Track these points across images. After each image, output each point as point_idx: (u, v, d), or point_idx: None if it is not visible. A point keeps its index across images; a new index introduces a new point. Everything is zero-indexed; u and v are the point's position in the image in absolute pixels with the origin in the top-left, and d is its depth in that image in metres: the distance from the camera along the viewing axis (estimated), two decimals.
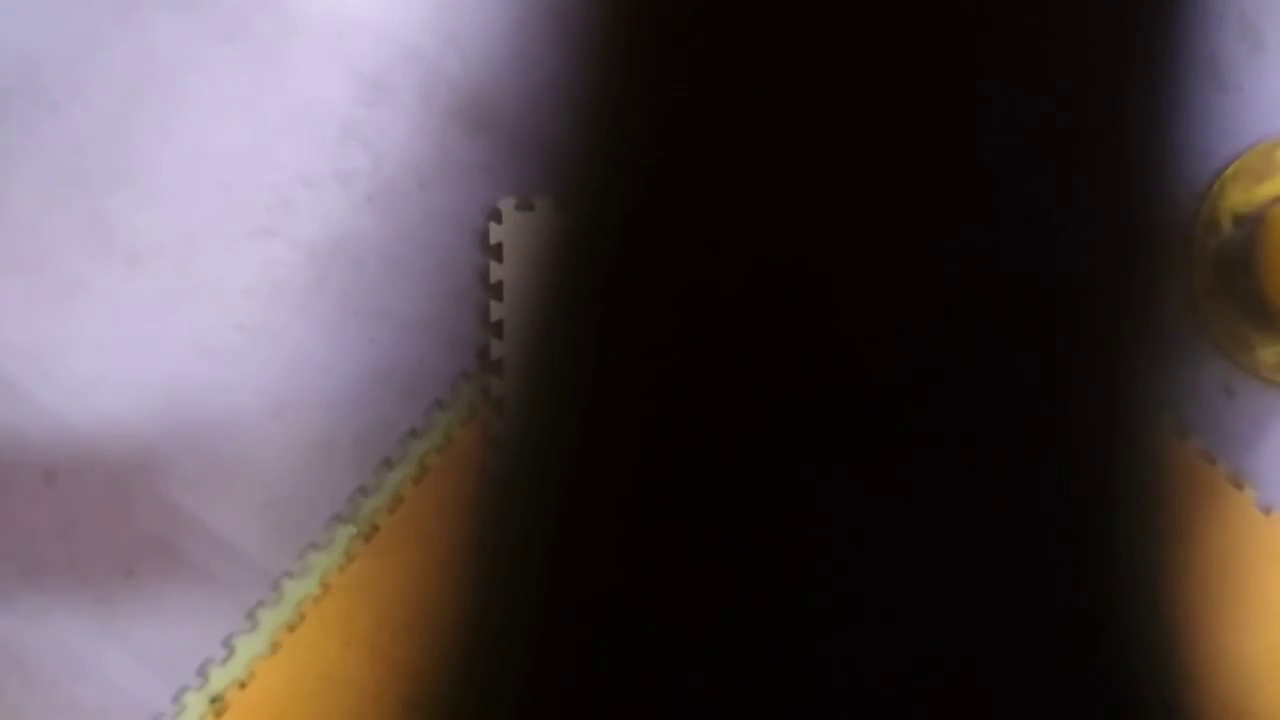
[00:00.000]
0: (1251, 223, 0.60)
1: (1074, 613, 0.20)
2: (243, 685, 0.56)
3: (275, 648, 0.56)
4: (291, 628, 0.57)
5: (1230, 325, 0.61)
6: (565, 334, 0.22)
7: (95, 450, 0.56)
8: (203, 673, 0.56)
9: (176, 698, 0.56)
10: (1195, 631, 0.21)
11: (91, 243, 0.57)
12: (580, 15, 0.22)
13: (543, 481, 0.22)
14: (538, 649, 0.21)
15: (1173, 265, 0.22)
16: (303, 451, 0.57)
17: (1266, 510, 0.60)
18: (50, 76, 0.57)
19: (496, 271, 0.57)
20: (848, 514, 0.20)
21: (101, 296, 0.57)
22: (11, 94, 0.57)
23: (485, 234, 0.58)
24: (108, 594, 0.56)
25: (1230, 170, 0.61)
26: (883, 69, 0.20)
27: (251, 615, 0.57)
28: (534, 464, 0.22)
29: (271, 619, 0.57)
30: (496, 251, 0.57)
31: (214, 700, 0.56)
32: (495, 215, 0.58)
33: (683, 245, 0.21)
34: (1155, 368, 0.21)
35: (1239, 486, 0.60)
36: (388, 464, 0.58)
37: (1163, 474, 0.21)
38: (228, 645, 0.56)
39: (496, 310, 0.57)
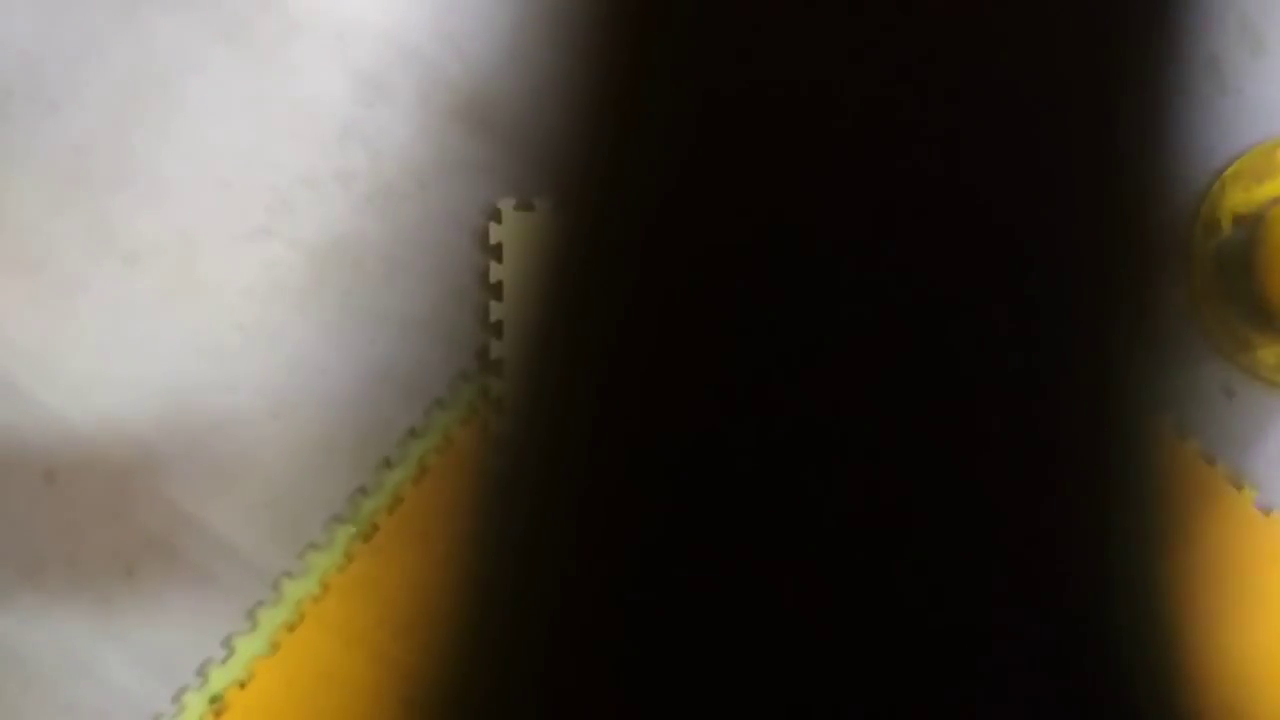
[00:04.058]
0: (1251, 223, 0.60)
1: (1072, 613, 0.20)
2: (243, 685, 0.56)
3: (275, 648, 0.56)
4: (291, 628, 0.57)
5: (1230, 326, 0.61)
6: (565, 334, 0.22)
7: (95, 450, 0.56)
8: (203, 673, 0.56)
9: (176, 698, 0.56)
10: (1194, 632, 0.21)
11: (91, 243, 0.57)
12: (580, 15, 0.22)
13: (542, 481, 0.22)
14: (537, 649, 0.21)
15: (1172, 266, 0.22)
16: (303, 451, 0.57)
17: (1266, 510, 0.60)
18: (50, 76, 0.57)
19: (496, 271, 0.57)
20: (847, 513, 0.20)
21: (101, 296, 0.57)
22: (12, 94, 0.57)
23: (485, 234, 0.58)
24: (108, 594, 0.56)
25: (1230, 171, 0.61)
26: (882, 66, 0.20)
27: (251, 615, 0.57)
28: (533, 464, 0.22)
29: (271, 619, 0.57)
30: (496, 251, 0.57)
31: (214, 700, 0.56)
32: (495, 215, 0.58)
33: (682, 245, 0.21)
34: (1155, 368, 0.21)
35: (1238, 487, 0.60)
36: (388, 464, 0.58)
37: (1162, 475, 0.21)
38: (228, 645, 0.56)
39: (496, 310, 0.57)
